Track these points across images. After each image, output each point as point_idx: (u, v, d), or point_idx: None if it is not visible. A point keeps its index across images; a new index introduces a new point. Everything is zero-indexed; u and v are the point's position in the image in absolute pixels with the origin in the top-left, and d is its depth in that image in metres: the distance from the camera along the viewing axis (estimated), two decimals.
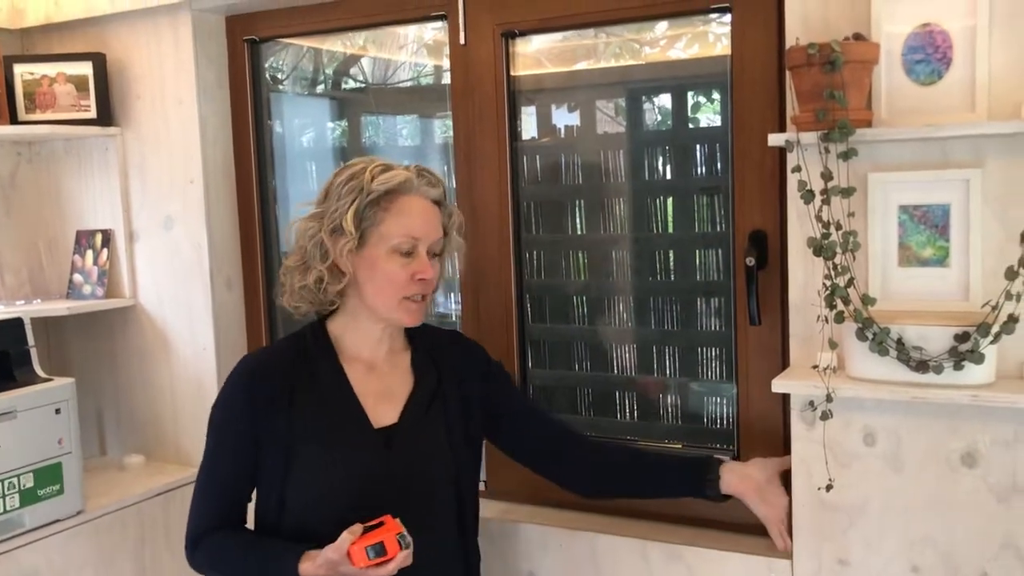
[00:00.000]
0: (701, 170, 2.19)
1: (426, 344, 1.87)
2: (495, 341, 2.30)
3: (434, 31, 2.53)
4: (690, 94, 2.25)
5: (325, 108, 2.83)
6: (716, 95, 2.20)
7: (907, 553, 1.77)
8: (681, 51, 2.27)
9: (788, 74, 1.75)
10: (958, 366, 1.60)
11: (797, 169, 1.69)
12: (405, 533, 1.60)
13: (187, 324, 2.61)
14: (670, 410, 2.28)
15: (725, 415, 2.19)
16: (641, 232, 2.27)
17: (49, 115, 2.58)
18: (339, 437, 1.74)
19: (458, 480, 1.82)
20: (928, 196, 1.71)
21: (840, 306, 1.67)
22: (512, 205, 2.28)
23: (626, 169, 2.27)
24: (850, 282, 1.67)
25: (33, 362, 2.30)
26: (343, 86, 2.79)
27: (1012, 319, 1.57)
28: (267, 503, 1.76)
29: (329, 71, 2.78)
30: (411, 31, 2.59)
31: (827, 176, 1.66)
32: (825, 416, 1.70)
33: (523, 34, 2.26)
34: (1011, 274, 1.56)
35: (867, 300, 1.67)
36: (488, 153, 2.28)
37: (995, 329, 1.57)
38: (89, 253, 2.68)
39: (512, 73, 2.27)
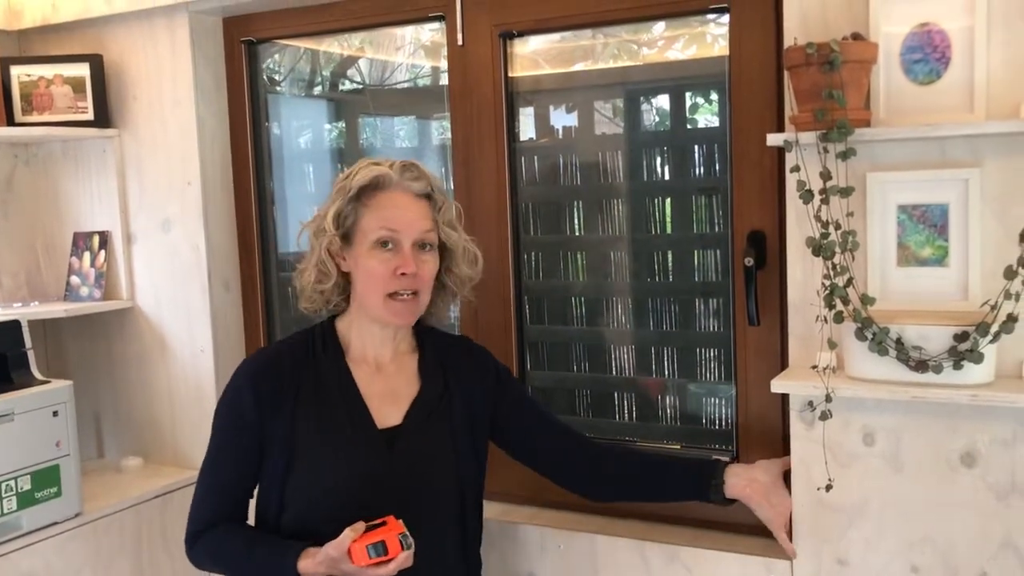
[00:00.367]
0: (699, 171, 2.19)
1: (434, 348, 1.87)
2: (494, 343, 2.28)
3: (431, 32, 2.53)
4: (688, 95, 2.25)
5: (322, 110, 2.83)
6: (714, 96, 2.20)
7: (906, 553, 1.77)
8: (679, 52, 2.27)
9: (786, 74, 1.75)
10: (957, 366, 1.60)
11: (796, 169, 1.69)
12: (407, 533, 1.59)
13: (185, 326, 2.60)
14: (669, 411, 2.28)
15: (724, 416, 2.19)
16: (639, 233, 2.26)
17: (46, 117, 2.58)
18: (342, 436, 1.74)
19: (461, 485, 1.82)
20: (927, 196, 1.71)
21: (839, 306, 1.67)
22: (511, 206, 2.28)
23: (624, 170, 2.27)
24: (849, 282, 1.67)
25: (31, 364, 2.30)
26: (340, 87, 2.79)
27: (1011, 318, 1.57)
28: (268, 500, 1.76)
29: (326, 72, 2.77)
30: (408, 32, 2.59)
31: (826, 176, 1.66)
32: (824, 416, 1.70)
33: (521, 35, 2.26)
34: (1010, 273, 1.56)
35: (866, 300, 1.67)
36: (486, 154, 2.27)
37: (994, 328, 1.57)
38: (86, 255, 2.68)
39: (510, 74, 2.27)
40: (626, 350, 2.32)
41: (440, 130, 2.58)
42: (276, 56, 2.71)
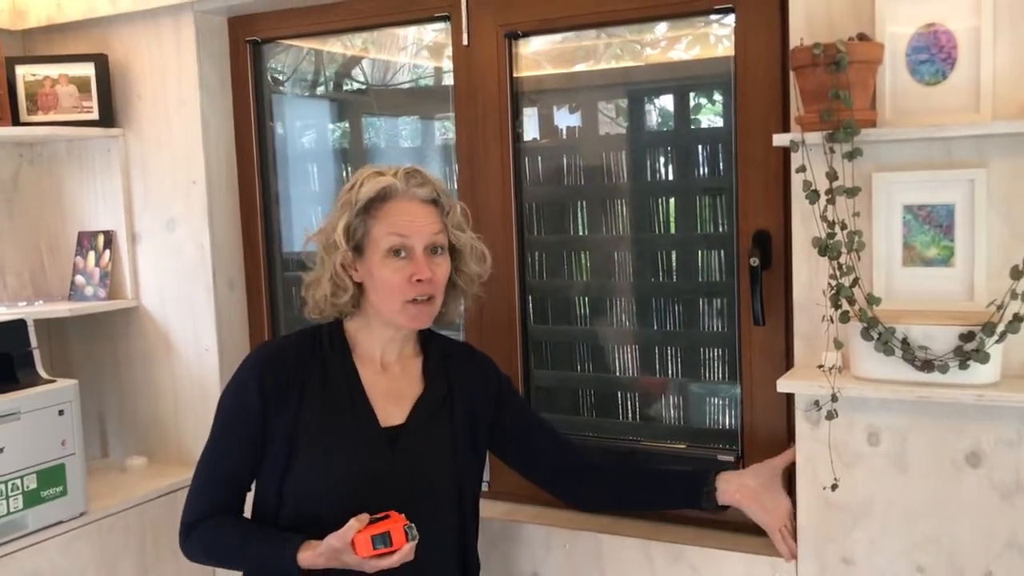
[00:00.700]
0: (703, 171, 2.19)
1: (438, 353, 1.88)
2: (498, 342, 2.30)
3: (435, 32, 2.53)
4: (692, 95, 2.25)
5: (326, 110, 2.83)
6: (718, 96, 2.20)
7: (911, 552, 1.77)
8: (683, 52, 2.28)
9: (792, 74, 1.75)
10: (963, 365, 1.60)
11: (802, 169, 1.69)
12: (413, 525, 1.59)
13: (190, 325, 2.61)
14: (672, 411, 2.28)
15: (728, 416, 2.19)
16: (643, 233, 2.27)
17: (51, 116, 2.58)
18: (344, 433, 1.75)
19: (460, 486, 1.82)
20: (932, 196, 1.72)
21: (845, 306, 1.67)
22: (515, 206, 2.28)
23: (628, 170, 2.27)
24: (855, 282, 1.67)
25: (36, 363, 2.30)
26: (344, 88, 2.79)
27: (1017, 318, 1.58)
28: (266, 493, 1.76)
29: (330, 73, 2.78)
30: (411, 33, 2.59)
31: (832, 176, 1.66)
32: (830, 416, 1.70)
33: (526, 35, 2.26)
34: (1016, 273, 1.57)
35: (872, 300, 1.67)
36: (491, 154, 2.28)
37: (1000, 328, 1.58)
38: (91, 254, 2.68)
39: (515, 74, 2.27)
40: (630, 350, 2.33)
41: (442, 130, 2.59)
42: (279, 56, 2.71)
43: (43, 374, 2.30)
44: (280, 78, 2.74)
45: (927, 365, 1.63)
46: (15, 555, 2.14)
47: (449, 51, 2.34)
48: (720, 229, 2.16)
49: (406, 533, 1.57)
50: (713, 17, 2.14)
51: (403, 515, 1.61)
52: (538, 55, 2.34)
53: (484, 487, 2.30)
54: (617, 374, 2.34)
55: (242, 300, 2.66)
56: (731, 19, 2.06)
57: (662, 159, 2.28)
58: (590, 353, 2.38)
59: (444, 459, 1.81)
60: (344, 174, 2.70)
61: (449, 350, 1.91)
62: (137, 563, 2.42)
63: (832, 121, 1.63)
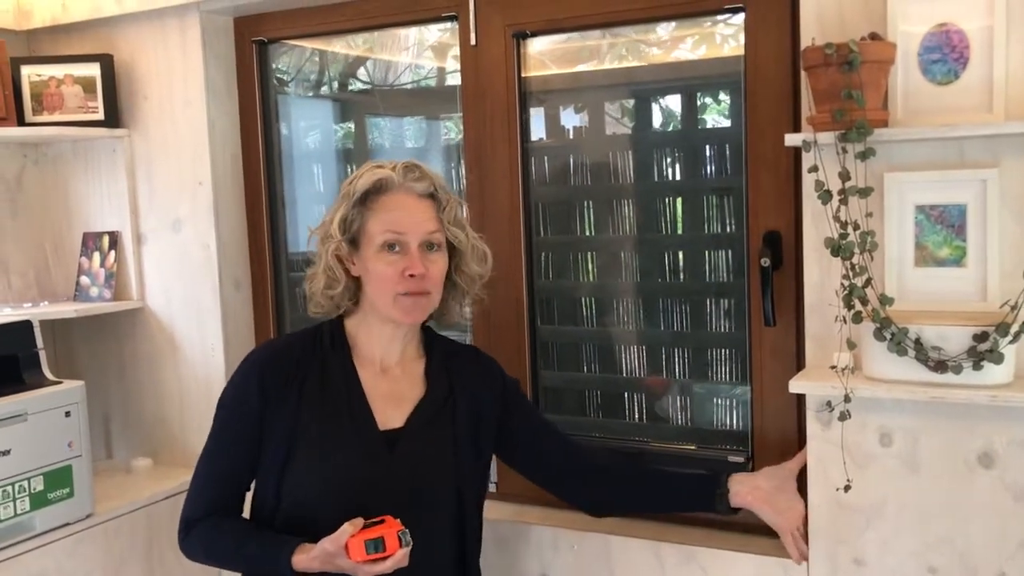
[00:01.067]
0: (711, 171, 2.19)
1: (442, 355, 1.87)
2: (506, 343, 2.29)
3: (440, 32, 2.52)
4: (702, 96, 2.24)
5: (331, 110, 2.83)
6: (727, 96, 2.19)
7: (924, 553, 1.77)
8: (690, 52, 2.27)
9: (804, 74, 1.74)
10: (977, 366, 1.60)
11: (814, 169, 1.68)
12: (406, 531, 1.58)
13: (195, 326, 2.60)
14: (680, 412, 2.28)
15: (737, 417, 2.18)
16: (650, 233, 2.26)
17: (56, 117, 2.57)
18: (343, 435, 1.73)
19: (459, 490, 1.80)
20: (945, 196, 1.71)
21: (858, 306, 1.67)
22: (523, 207, 2.28)
23: (635, 170, 2.27)
24: (868, 282, 1.67)
25: (42, 365, 2.29)
26: (349, 88, 2.78)
27: None
28: (264, 493, 1.75)
29: (334, 73, 2.77)
30: (420, 32, 2.58)
31: (844, 176, 1.65)
32: (843, 416, 1.70)
33: (534, 35, 2.25)
34: None
35: (885, 300, 1.66)
36: (499, 155, 2.27)
37: (1015, 328, 1.57)
38: (96, 255, 2.67)
39: (523, 74, 2.27)
40: (637, 350, 2.32)
41: (445, 130, 2.59)
42: (283, 57, 2.71)
43: (49, 375, 2.29)
44: (284, 79, 2.73)
45: (940, 366, 1.62)
46: (22, 557, 2.13)
47: (453, 51, 2.33)
48: (728, 229, 2.15)
49: (400, 539, 1.56)
50: (720, 17, 2.13)
51: (399, 520, 1.60)
52: (542, 55, 2.34)
53: (492, 488, 2.30)
54: (624, 375, 2.33)
55: (248, 300, 2.66)
56: (738, 19, 2.06)
57: (669, 159, 2.27)
58: (597, 354, 2.37)
59: (444, 463, 1.79)
60: (348, 174, 2.68)
61: (453, 352, 1.90)
62: (144, 565, 2.41)
63: (845, 121, 1.63)
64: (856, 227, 1.66)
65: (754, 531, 1.99)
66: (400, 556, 1.57)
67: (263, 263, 2.64)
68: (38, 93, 2.57)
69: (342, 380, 1.77)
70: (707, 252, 2.22)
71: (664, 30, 2.26)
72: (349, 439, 1.73)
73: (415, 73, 2.67)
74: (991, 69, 1.65)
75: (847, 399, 1.68)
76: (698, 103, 2.26)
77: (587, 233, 2.34)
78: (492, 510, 2.22)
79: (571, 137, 2.39)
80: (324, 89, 2.80)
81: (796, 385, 1.77)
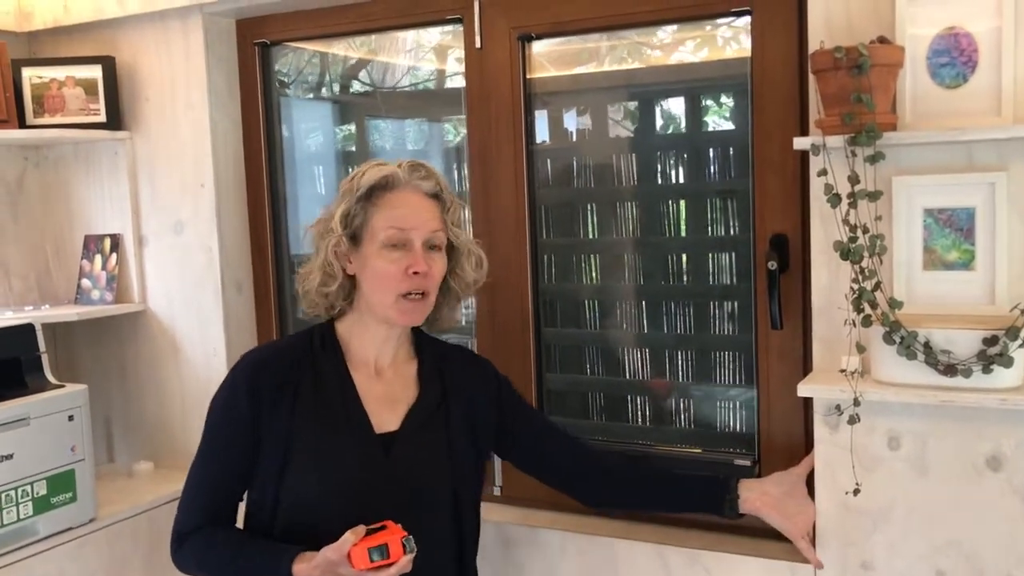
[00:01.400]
0: (715, 174, 2.19)
1: (434, 356, 1.85)
2: (510, 346, 2.29)
3: (441, 35, 2.52)
4: (705, 98, 2.24)
5: (332, 112, 2.82)
6: (732, 99, 2.19)
7: (932, 557, 1.77)
8: (695, 55, 2.27)
9: (812, 77, 1.74)
10: (987, 370, 1.60)
11: (823, 173, 1.68)
12: (411, 537, 1.57)
13: (197, 329, 2.59)
14: (684, 415, 2.27)
15: (743, 420, 2.18)
16: (654, 236, 2.26)
17: (58, 119, 2.56)
18: (339, 439, 1.71)
19: (456, 492, 1.79)
20: (953, 199, 1.71)
21: (868, 310, 1.66)
22: (529, 209, 2.27)
23: (639, 173, 2.27)
24: (877, 286, 1.67)
25: (44, 368, 2.29)
26: (350, 90, 2.78)
27: None
28: (260, 502, 1.73)
29: (336, 75, 2.76)
30: (418, 35, 2.57)
31: (854, 179, 1.65)
32: (852, 420, 1.69)
33: (539, 37, 2.25)
34: None
35: (894, 304, 1.66)
36: (504, 157, 2.27)
37: None
38: (97, 258, 2.66)
39: (528, 76, 2.26)
40: (641, 353, 2.32)
41: (448, 133, 2.58)
42: (284, 59, 2.70)
43: (52, 379, 2.28)
44: (285, 81, 2.73)
45: (950, 369, 1.62)
46: (25, 562, 2.12)
47: (454, 54, 2.32)
48: (732, 232, 2.15)
49: (404, 545, 1.55)
50: (723, 19, 2.13)
51: (399, 525, 1.59)
52: (540, 56, 2.33)
53: (497, 491, 2.30)
54: (628, 377, 2.33)
55: (250, 303, 2.65)
56: (741, 21, 2.06)
57: (673, 162, 2.27)
58: (600, 356, 2.37)
59: (440, 465, 1.78)
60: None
61: (445, 353, 1.88)
62: (146, 570, 2.39)
63: (854, 124, 1.63)
64: (865, 230, 1.66)
65: (760, 535, 1.99)
66: (404, 563, 1.56)
67: (265, 265, 2.63)
68: (39, 95, 2.56)
69: (336, 383, 1.75)
70: (711, 255, 2.22)
71: (665, 33, 2.26)
72: (346, 443, 1.71)
73: (413, 76, 2.66)
74: (1000, 72, 1.65)
75: (856, 403, 1.68)
76: (704, 106, 2.26)
77: (590, 236, 2.33)
78: (498, 513, 2.22)
79: (575, 140, 2.38)
80: (324, 91, 2.79)
81: (804, 389, 1.76)
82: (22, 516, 2.11)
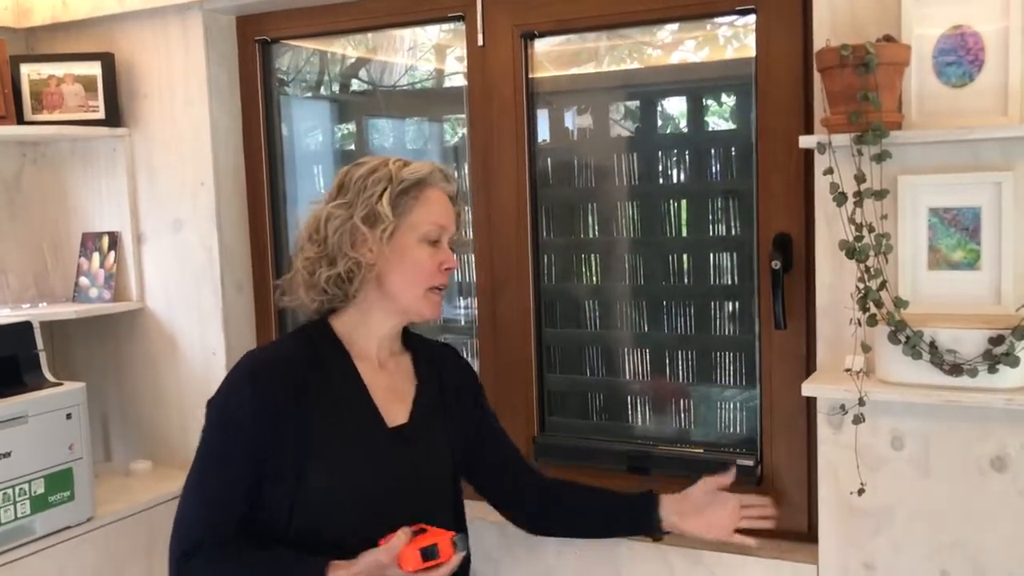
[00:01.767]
0: (717, 173, 2.18)
1: (423, 351, 1.86)
2: (512, 347, 2.29)
3: (443, 33, 2.51)
4: (706, 98, 2.24)
5: (332, 111, 2.81)
6: (736, 98, 2.19)
7: (935, 557, 1.76)
8: (697, 55, 2.26)
9: (817, 76, 1.74)
10: (992, 369, 1.59)
11: (829, 171, 1.67)
12: (462, 536, 1.57)
13: (196, 328, 2.57)
14: (686, 415, 2.27)
15: (744, 420, 2.17)
16: (655, 236, 2.25)
17: (56, 116, 2.55)
18: (358, 438, 1.70)
19: (454, 481, 1.84)
20: (959, 199, 1.71)
21: (873, 309, 1.66)
22: (530, 208, 2.26)
23: (640, 172, 2.26)
24: (882, 285, 1.66)
25: (42, 366, 2.27)
26: (350, 89, 2.77)
27: None
28: (276, 508, 1.65)
29: (335, 74, 2.75)
30: (419, 33, 2.57)
31: (860, 178, 1.65)
32: (857, 420, 1.69)
33: (542, 35, 2.24)
34: None
35: (900, 303, 1.65)
36: (506, 156, 2.26)
37: None
38: (95, 256, 2.65)
39: (530, 75, 2.25)
40: (642, 353, 2.31)
41: (449, 132, 2.57)
42: (283, 58, 2.69)
43: (49, 377, 2.27)
44: (284, 79, 2.71)
45: (955, 369, 1.62)
46: (23, 561, 2.10)
47: (454, 52, 2.31)
48: (733, 232, 2.14)
49: (454, 544, 1.55)
50: (725, 18, 2.13)
51: (415, 520, 1.59)
52: (539, 56, 2.32)
53: None
54: (629, 378, 2.32)
55: (250, 302, 2.63)
56: (742, 20, 2.06)
57: (674, 161, 2.26)
58: (600, 357, 2.36)
59: (445, 454, 1.81)
60: None
61: (431, 347, 1.90)
62: (144, 569, 2.38)
63: (860, 123, 1.62)
64: (871, 229, 1.65)
65: (764, 535, 1.98)
66: (455, 562, 1.55)
67: (265, 265, 2.62)
68: (38, 92, 2.54)
69: (345, 382, 1.72)
70: (712, 255, 2.21)
71: (666, 32, 2.25)
72: (362, 441, 1.70)
73: (411, 76, 2.65)
74: (1006, 72, 1.65)
75: (861, 402, 1.67)
76: (707, 105, 2.25)
77: (591, 235, 2.32)
78: (496, 513, 2.20)
79: (576, 139, 2.37)
80: (323, 90, 2.78)
81: (809, 388, 1.76)
82: (19, 515, 2.09)
